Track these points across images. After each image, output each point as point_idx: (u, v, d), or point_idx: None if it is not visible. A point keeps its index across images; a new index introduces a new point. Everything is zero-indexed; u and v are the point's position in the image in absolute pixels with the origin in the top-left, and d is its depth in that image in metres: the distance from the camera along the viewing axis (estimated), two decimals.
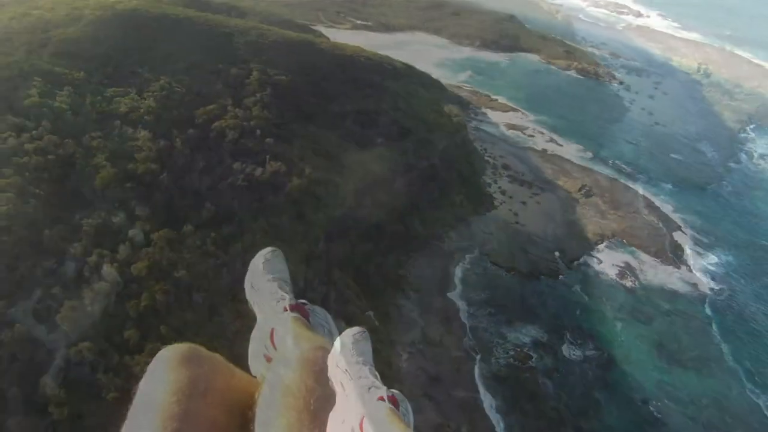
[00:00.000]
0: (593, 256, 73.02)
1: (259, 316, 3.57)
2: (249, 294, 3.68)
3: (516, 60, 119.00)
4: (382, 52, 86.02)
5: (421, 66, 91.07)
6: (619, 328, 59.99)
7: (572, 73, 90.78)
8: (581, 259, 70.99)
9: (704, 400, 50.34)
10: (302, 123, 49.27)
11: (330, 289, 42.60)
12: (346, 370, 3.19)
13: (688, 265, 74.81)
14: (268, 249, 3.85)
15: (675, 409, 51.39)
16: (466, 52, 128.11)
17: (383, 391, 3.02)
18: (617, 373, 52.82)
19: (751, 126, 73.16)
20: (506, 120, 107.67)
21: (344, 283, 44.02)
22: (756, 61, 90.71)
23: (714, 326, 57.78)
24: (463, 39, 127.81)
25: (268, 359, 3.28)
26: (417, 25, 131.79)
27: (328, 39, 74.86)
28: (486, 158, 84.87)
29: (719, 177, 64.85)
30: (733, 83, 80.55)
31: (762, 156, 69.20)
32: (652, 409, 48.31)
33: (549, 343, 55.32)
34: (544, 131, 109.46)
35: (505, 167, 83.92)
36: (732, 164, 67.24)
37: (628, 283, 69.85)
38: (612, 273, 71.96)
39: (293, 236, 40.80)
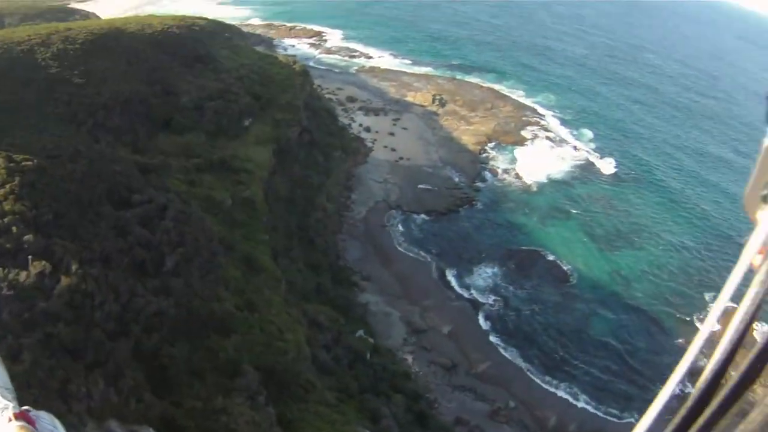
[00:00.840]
0: (486, 168, 75.87)
1: None
2: None
3: None
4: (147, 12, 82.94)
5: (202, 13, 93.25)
6: (552, 232, 66.45)
7: None
8: (479, 176, 73.48)
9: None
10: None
11: None
12: None
13: (573, 144, 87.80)
14: None
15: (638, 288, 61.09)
16: None
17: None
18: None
19: (491, 145, 76.63)
20: (319, 46, 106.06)
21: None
22: (485, 84, 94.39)
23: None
24: None
25: None
26: None
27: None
28: (328, 96, 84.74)
29: (469, 198, 67.97)
30: (469, 108, 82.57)
31: (505, 170, 75.46)
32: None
33: (509, 273, 58.77)
34: (357, 47, 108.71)
35: (351, 99, 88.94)
36: (479, 183, 72.17)
37: (531, 183, 75.08)
38: (514, 178, 75.85)
39: None
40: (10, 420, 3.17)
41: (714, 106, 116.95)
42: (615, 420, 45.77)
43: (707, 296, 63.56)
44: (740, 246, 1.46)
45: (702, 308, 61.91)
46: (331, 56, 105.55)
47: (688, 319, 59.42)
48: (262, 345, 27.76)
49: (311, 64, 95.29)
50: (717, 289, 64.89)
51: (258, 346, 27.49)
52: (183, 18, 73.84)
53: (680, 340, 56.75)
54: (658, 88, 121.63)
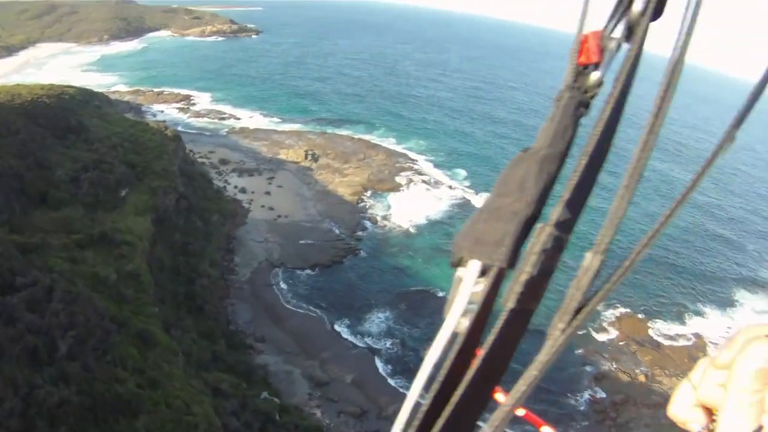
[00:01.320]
0: (365, 217, 76.64)
1: None
2: None
3: (151, 41, 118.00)
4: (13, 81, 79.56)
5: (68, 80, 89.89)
6: (437, 270, 67.60)
7: (213, 38, 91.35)
8: (359, 225, 74.39)
9: None
10: None
11: None
12: None
13: (448, 184, 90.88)
14: None
15: None
16: (98, 50, 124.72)
17: None
18: None
19: (367, 194, 77.98)
20: (188, 110, 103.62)
21: None
22: (356, 136, 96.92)
23: None
24: (92, 37, 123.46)
25: None
26: (38, 37, 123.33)
27: None
28: (201, 160, 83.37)
29: (352, 248, 68.90)
30: (342, 160, 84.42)
31: (384, 217, 77.14)
32: None
33: (401, 315, 60.29)
34: (226, 108, 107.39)
35: (224, 162, 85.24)
36: (360, 233, 73.20)
37: (410, 226, 76.92)
38: (394, 223, 77.08)
39: None
40: None
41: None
42: None
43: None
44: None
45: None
46: (200, 119, 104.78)
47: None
48: (171, 422, 27.27)
49: (180, 128, 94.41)
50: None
51: (168, 423, 26.99)
52: (51, 87, 71.94)
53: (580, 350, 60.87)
54: (524, 122, 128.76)
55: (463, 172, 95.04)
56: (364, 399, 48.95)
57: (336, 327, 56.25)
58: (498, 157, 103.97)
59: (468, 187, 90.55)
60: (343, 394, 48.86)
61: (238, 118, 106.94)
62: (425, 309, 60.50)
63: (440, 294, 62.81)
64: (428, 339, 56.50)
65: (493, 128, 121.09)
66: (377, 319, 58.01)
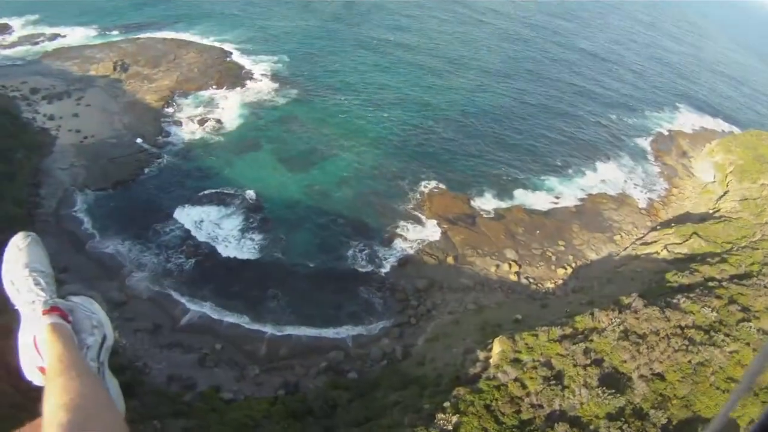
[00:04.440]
0: (170, 122, 75.40)
1: (22, 320, 3.07)
2: (10, 293, 3.27)
3: None
4: None
5: None
6: (241, 167, 68.80)
7: None
8: (162, 132, 72.82)
9: None
10: None
11: None
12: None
13: (255, 78, 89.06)
14: (21, 235, 3.66)
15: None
16: None
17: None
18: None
19: (176, 96, 76.71)
20: (2, 41, 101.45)
21: None
22: (170, 36, 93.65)
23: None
24: None
25: (43, 371, 2.88)
26: None
27: None
28: (11, 95, 79.27)
29: (154, 156, 67.83)
30: (152, 66, 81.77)
31: (190, 118, 75.88)
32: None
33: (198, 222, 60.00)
34: (38, 28, 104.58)
35: (34, 91, 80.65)
36: (162, 138, 71.42)
37: (217, 123, 76.27)
38: (196, 126, 75.50)
39: None
40: (43, 313, 3.10)
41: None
42: (325, 335, 50.00)
43: (404, 184, 69.56)
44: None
45: (404, 196, 67.91)
46: (15, 49, 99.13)
47: (391, 212, 65.04)
48: None
49: None
50: (413, 175, 71.64)
51: None
52: None
53: (386, 234, 61.84)
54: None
55: (275, 63, 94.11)
56: (159, 313, 49.51)
57: (133, 244, 55.81)
58: (313, 52, 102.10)
59: (280, 77, 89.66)
60: (139, 311, 49.25)
61: (55, 37, 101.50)
62: (229, 209, 61.10)
63: (239, 192, 63.30)
64: (224, 239, 58.25)
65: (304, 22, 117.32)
66: (173, 230, 57.85)
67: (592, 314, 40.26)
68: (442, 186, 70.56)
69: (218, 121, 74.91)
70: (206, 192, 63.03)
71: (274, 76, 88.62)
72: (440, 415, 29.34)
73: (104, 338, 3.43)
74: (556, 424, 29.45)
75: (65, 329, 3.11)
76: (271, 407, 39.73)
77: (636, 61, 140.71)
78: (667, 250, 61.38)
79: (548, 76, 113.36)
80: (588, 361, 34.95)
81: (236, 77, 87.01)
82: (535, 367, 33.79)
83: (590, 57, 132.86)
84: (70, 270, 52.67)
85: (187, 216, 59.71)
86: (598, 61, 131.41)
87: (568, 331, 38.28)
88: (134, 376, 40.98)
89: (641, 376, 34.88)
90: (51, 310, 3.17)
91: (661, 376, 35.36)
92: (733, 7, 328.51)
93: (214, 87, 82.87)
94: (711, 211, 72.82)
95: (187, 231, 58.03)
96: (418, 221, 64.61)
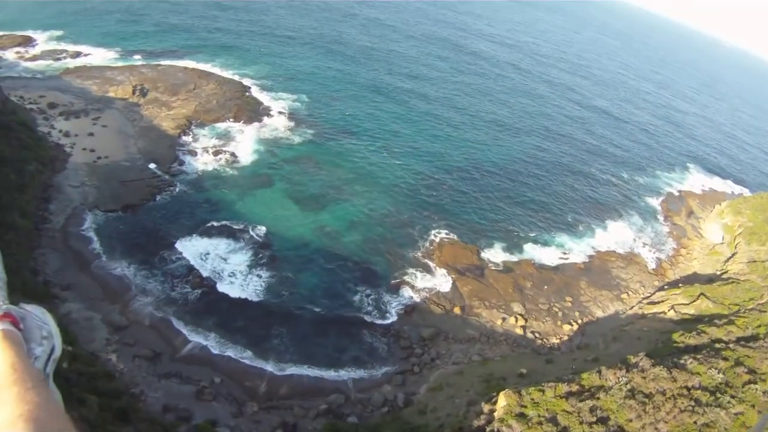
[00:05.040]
0: (186, 151, 74.30)
1: None
2: None
3: None
4: None
5: None
6: (253, 202, 67.59)
7: None
8: (177, 160, 71.82)
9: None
10: None
11: None
12: None
13: (272, 115, 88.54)
14: None
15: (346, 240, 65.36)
16: None
17: None
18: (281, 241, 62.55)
19: (193, 125, 76.26)
20: (26, 53, 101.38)
21: None
22: (192, 65, 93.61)
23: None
24: None
25: None
26: None
27: None
28: (28, 107, 78.65)
29: (166, 184, 67.27)
30: (171, 93, 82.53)
31: (205, 149, 75.66)
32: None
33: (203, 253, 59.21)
34: (68, 46, 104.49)
35: (52, 106, 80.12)
36: (176, 166, 71.12)
37: (232, 157, 75.26)
38: (210, 157, 74.59)
39: None
40: None
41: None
42: (326, 377, 48.87)
43: (415, 232, 68.88)
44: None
45: (414, 243, 67.17)
46: (36, 62, 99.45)
47: (400, 260, 64.14)
48: None
49: (12, 74, 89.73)
50: (424, 223, 71.07)
51: None
52: None
53: (394, 281, 61.09)
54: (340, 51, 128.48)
55: (292, 99, 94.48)
56: (160, 341, 48.63)
57: (139, 269, 54.95)
58: (331, 86, 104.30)
59: (298, 113, 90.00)
60: (140, 337, 48.33)
61: (78, 55, 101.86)
62: (234, 244, 60.27)
63: (250, 227, 62.62)
64: (232, 275, 57.17)
65: (324, 61, 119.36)
66: (180, 258, 57.11)
67: (599, 372, 39.50)
68: (452, 236, 70.20)
69: (233, 154, 74.69)
70: (216, 224, 62.40)
71: (292, 115, 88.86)
72: None
73: (53, 350, 3.31)
74: None
75: (17, 337, 3.01)
76: None
77: (648, 121, 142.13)
78: (674, 310, 60.76)
79: (562, 132, 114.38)
80: (594, 419, 34.06)
81: (254, 112, 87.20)
82: (540, 423, 32.87)
83: (604, 115, 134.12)
84: (73, 288, 51.87)
85: (194, 247, 58.94)
86: (611, 120, 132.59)
87: (575, 387, 37.44)
88: (130, 403, 39.49)
89: None
90: (3, 316, 3.06)
91: None
92: (746, 73, 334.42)
93: (231, 120, 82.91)
94: (719, 273, 72.46)
95: (195, 261, 57.19)
96: (427, 269, 64.05)
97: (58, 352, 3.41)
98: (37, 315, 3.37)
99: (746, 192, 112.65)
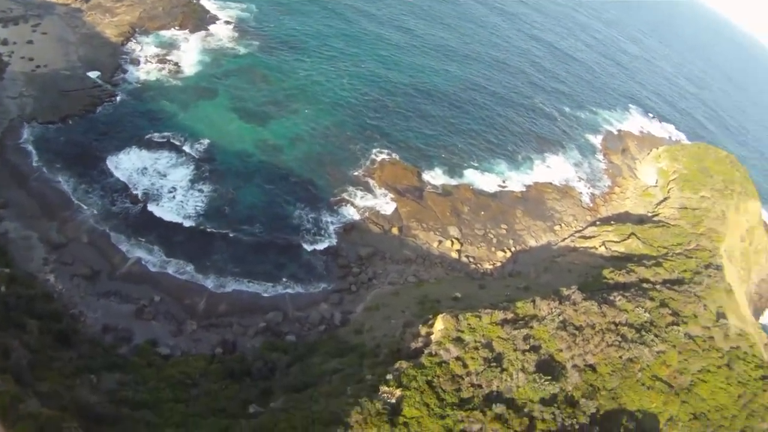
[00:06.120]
0: (129, 60, 71.43)
1: None
2: None
3: None
4: None
5: None
6: (196, 113, 66.01)
7: None
8: (119, 69, 69.14)
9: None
10: None
11: None
12: None
13: (219, 24, 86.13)
14: None
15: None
16: None
17: None
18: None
19: (137, 33, 75.28)
20: None
21: None
22: None
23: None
24: None
25: None
26: None
27: None
28: None
29: (107, 94, 64.65)
30: (114, 0, 77.64)
31: (148, 58, 72.69)
32: None
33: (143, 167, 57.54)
34: None
35: None
36: (118, 75, 68.05)
37: (176, 66, 72.75)
38: (154, 66, 71.91)
39: None
40: None
41: None
42: (265, 295, 49.12)
43: (357, 149, 68.65)
44: None
45: (355, 161, 66.90)
46: None
47: (340, 177, 64.07)
48: None
49: None
50: (367, 142, 70.64)
51: None
52: None
53: (334, 198, 61.15)
54: None
55: (243, 11, 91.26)
56: (99, 259, 47.36)
57: (77, 185, 52.97)
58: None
59: (247, 23, 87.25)
60: (78, 255, 46.96)
61: None
62: (167, 157, 58.89)
63: (190, 139, 61.39)
64: (170, 189, 55.91)
65: None
66: (120, 171, 55.45)
67: (533, 302, 40.56)
68: (394, 156, 70.10)
69: (177, 64, 72.07)
70: (158, 136, 60.74)
71: (238, 25, 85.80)
72: (383, 388, 29.08)
73: None
74: (493, 405, 29.58)
75: None
76: (208, 366, 38.81)
77: (595, 59, 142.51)
78: (605, 247, 62.51)
79: (509, 63, 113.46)
80: (527, 347, 35.21)
81: (200, 20, 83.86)
82: (476, 348, 33.81)
83: (552, 49, 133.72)
84: (10, 206, 49.75)
85: (134, 160, 57.29)
86: (559, 54, 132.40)
87: (510, 315, 38.45)
88: (69, 325, 39.09)
89: (575, 366, 35.46)
90: None
91: (593, 368, 36.14)
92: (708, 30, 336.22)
93: (176, 28, 79.59)
94: (649, 214, 74.38)
95: (136, 175, 55.70)
96: (367, 188, 64.07)
97: None
98: None
99: (684, 139, 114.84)
